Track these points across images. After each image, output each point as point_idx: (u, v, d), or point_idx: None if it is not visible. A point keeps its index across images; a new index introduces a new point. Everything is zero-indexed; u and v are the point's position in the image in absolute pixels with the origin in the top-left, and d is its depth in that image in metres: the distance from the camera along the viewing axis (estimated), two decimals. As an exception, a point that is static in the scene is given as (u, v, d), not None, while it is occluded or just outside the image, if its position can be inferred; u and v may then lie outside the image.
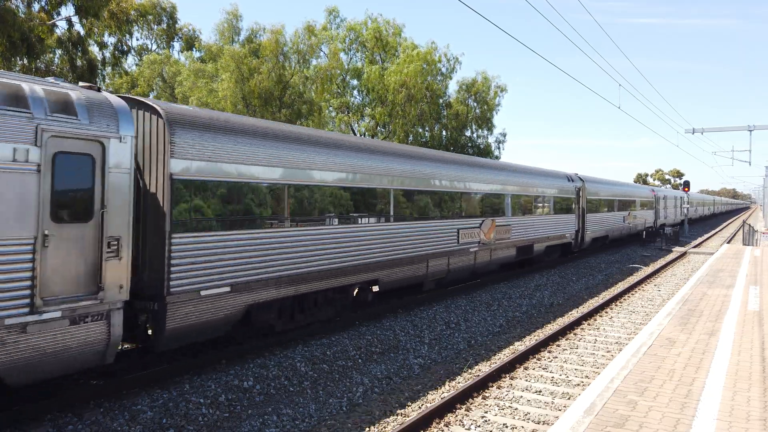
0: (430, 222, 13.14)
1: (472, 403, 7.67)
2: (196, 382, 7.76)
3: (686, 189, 41.13)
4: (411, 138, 34.69)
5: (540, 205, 19.42)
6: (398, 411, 7.54)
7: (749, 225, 32.61)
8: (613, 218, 27.80)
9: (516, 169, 18.61)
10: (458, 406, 7.51)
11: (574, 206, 22.46)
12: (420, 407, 7.68)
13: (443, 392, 8.23)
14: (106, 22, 23.04)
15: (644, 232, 34.58)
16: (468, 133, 38.61)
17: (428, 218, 13.10)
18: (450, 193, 14.07)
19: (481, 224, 15.16)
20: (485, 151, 38.67)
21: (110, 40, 28.99)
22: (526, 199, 18.36)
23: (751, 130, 28.99)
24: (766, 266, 18.05)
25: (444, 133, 37.62)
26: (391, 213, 11.88)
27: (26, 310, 5.82)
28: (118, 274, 6.65)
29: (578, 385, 8.50)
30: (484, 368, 9.33)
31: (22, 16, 19.52)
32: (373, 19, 35.62)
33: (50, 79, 6.88)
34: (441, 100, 36.28)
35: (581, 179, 23.92)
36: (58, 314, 6.08)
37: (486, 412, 7.37)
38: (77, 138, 6.33)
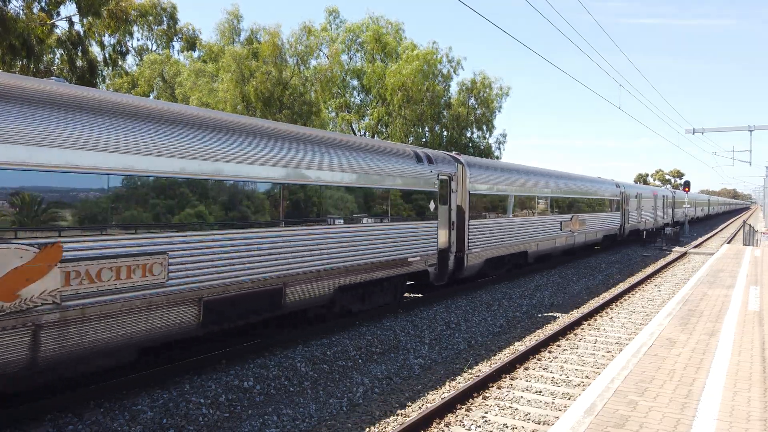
0: None
1: (472, 404, 7.66)
2: (196, 382, 7.76)
3: (686, 189, 41.25)
4: (411, 138, 34.73)
5: (321, 204, 9.88)
6: (398, 411, 7.54)
7: (749, 225, 32.60)
8: (538, 225, 18.82)
9: (218, 125, 8.23)
10: (458, 406, 7.51)
11: (434, 207, 13.18)
12: (420, 407, 7.68)
13: (443, 392, 8.23)
14: (105, 22, 23.07)
15: (644, 233, 33.88)
16: (468, 134, 38.68)
17: None
18: None
19: None
20: (486, 152, 38.72)
21: (110, 40, 29.05)
22: (251, 192, 8.59)
23: (751, 130, 29.02)
24: (767, 266, 18.05)
25: (444, 133, 37.69)
26: None
27: None
28: None
29: (578, 385, 8.50)
30: (484, 368, 9.32)
31: (23, 17, 19.54)
32: (374, 19, 35.68)
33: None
34: (442, 101, 36.33)
35: (461, 162, 14.89)
36: None
37: (486, 413, 7.37)
38: None
